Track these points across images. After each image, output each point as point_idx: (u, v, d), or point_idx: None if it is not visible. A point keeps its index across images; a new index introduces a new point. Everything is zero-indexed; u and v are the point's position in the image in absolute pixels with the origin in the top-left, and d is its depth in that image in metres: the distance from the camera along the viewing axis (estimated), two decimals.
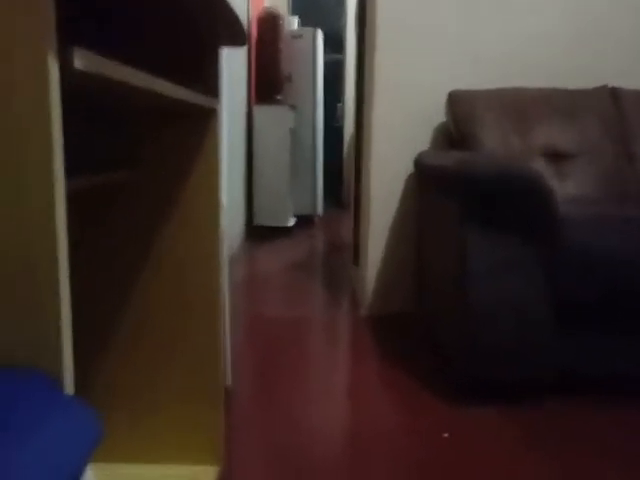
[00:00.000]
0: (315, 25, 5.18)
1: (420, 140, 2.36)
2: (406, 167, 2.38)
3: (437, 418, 1.53)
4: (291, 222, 4.64)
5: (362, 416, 1.55)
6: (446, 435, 1.43)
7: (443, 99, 2.33)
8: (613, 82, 2.30)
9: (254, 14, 4.55)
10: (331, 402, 1.63)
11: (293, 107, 4.67)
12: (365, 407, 1.60)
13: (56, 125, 0.54)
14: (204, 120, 1.18)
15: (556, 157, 2.02)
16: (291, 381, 1.75)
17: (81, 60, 0.57)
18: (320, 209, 5.32)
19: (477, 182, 1.50)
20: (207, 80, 1.17)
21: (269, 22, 4.47)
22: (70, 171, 0.94)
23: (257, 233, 4.53)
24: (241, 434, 1.43)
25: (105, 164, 1.15)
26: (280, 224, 4.54)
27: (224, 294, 1.67)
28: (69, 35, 0.86)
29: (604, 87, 2.20)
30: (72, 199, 1.16)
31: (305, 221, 5.11)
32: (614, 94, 2.18)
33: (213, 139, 1.20)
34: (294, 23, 5.14)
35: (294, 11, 6.20)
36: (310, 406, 1.59)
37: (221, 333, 1.24)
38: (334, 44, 6.26)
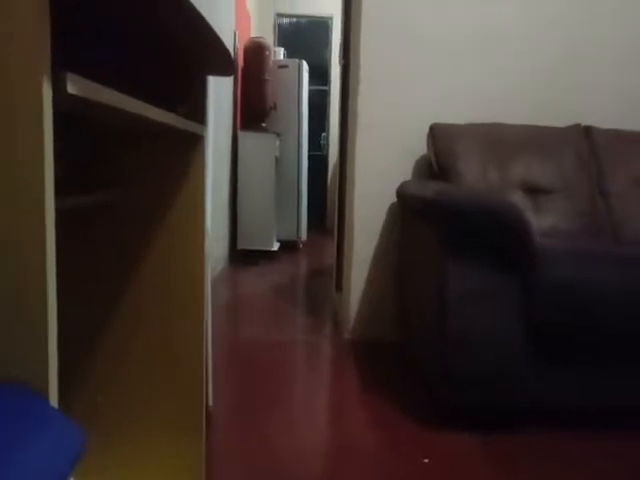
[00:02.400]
0: (301, 57, 5.29)
1: (402, 171, 2.41)
2: (389, 196, 2.42)
3: (416, 443, 1.53)
4: (275, 246, 4.66)
5: (342, 441, 1.55)
6: (426, 461, 1.44)
7: (425, 132, 2.39)
8: (585, 121, 2.40)
9: (241, 43, 4.64)
10: (311, 426, 1.63)
11: (278, 135, 4.73)
12: (345, 432, 1.60)
13: (48, 147, 0.56)
14: (191, 146, 1.20)
15: (533, 191, 2.08)
16: (272, 404, 1.74)
17: (74, 85, 0.59)
18: (304, 235, 5.35)
19: (457, 213, 1.53)
20: (194, 107, 1.19)
21: (255, 52, 4.55)
22: (58, 191, 0.95)
23: (241, 257, 4.53)
24: (221, 456, 1.42)
25: (92, 185, 1.16)
26: (264, 248, 4.55)
27: (207, 317, 1.67)
28: (62, 59, 0.88)
29: (577, 125, 2.28)
30: (59, 218, 1.17)
31: (289, 246, 5.12)
32: (587, 132, 2.26)
33: (199, 165, 1.22)
34: (280, 54, 5.24)
35: (280, 43, 6.33)
36: (290, 430, 1.59)
37: (204, 357, 1.24)
38: (319, 75, 6.39)
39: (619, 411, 1.73)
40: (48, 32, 0.55)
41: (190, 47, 1.04)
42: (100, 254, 1.19)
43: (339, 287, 2.90)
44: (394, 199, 2.42)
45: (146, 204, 1.21)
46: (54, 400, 0.58)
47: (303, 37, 6.42)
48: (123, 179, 1.20)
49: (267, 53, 4.58)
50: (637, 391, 1.64)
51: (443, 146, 2.13)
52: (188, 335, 1.22)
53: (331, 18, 6.35)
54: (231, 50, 4.20)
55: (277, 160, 4.73)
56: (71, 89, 0.59)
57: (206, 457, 1.24)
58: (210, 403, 1.70)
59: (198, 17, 0.82)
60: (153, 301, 1.21)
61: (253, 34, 5.74)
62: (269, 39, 6.22)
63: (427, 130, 2.32)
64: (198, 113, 1.20)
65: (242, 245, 4.56)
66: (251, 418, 1.65)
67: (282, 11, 6.32)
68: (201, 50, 1.04)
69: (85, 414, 1.21)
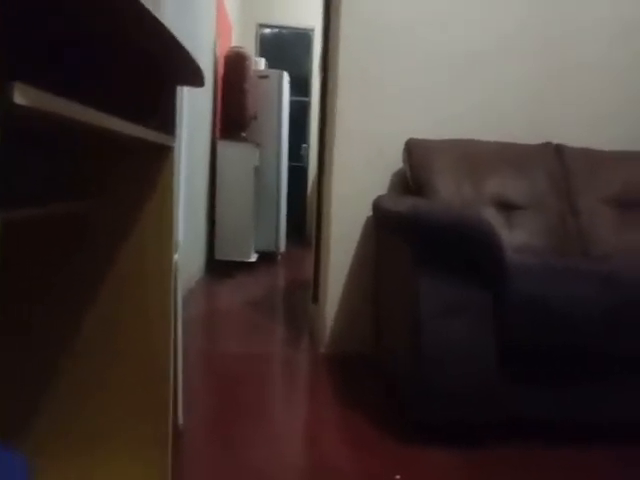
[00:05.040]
0: (282, 67, 5.29)
1: (379, 184, 2.41)
2: (365, 209, 2.41)
3: (390, 459, 1.51)
4: (253, 257, 4.62)
5: (315, 457, 1.52)
6: (398, 477, 1.42)
7: (401, 146, 2.40)
8: (556, 139, 2.44)
9: (221, 52, 4.63)
10: (284, 442, 1.60)
11: (258, 145, 4.72)
12: (318, 448, 1.57)
13: None
14: (159, 157, 1.18)
15: (505, 207, 2.10)
16: (244, 420, 1.71)
17: (21, 95, 0.56)
18: (283, 246, 5.33)
19: (430, 228, 1.53)
20: (163, 117, 1.17)
21: (236, 61, 4.54)
22: (20, 201, 0.92)
23: (218, 267, 4.48)
24: (191, 475, 1.38)
25: (57, 195, 1.13)
26: (242, 259, 4.51)
27: (178, 330, 1.63)
28: (16, 69, 0.85)
29: (548, 144, 2.31)
30: (23, 228, 1.13)
31: (267, 257, 5.09)
32: (558, 150, 2.29)
33: (168, 175, 1.20)
34: (261, 64, 5.24)
35: (262, 53, 6.34)
36: (263, 446, 1.55)
37: (171, 373, 1.21)
38: (300, 87, 6.41)
39: (593, 425, 1.74)
40: None
41: (157, 58, 1.02)
42: (66, 267, 1.16)
43: (316, 299, 2.88)
44: (371, 213, 2.41)
45: (114, 216, 1.18)
46: None
47: (285, 48, 6.43)
48: (91, 190, 1.17)
49: (248, 63, 4.58)
50: (609, 405, 1.65)
51: (418, 161, 2.14)
52: (155, 350, 1.19)
53: (312, 30, 6.38)
54: (209, 60, 4.18)
55: (256, 170, 4.71)
56: (19, 99, 0.56)
57: (174, 476, 1.20)
58: (180, 421, 1.66)
59: (162, 28, 0.80)
60: (119, 314, 1.18)
61: (235, 44, 5.74)
62: (251, 49, 6.23)
63: (403, 145, 2.33)
64: (167, 124, 1.17)
65: (219, 256, 4.52)
66: (223, 435, 1.62)
67: (264, 21, 6.33)
68: (169, 61, 1.02)
69: (47, 431, 1.17)
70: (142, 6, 0.71)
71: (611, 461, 1.57)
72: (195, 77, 1.15)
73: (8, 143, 0.63)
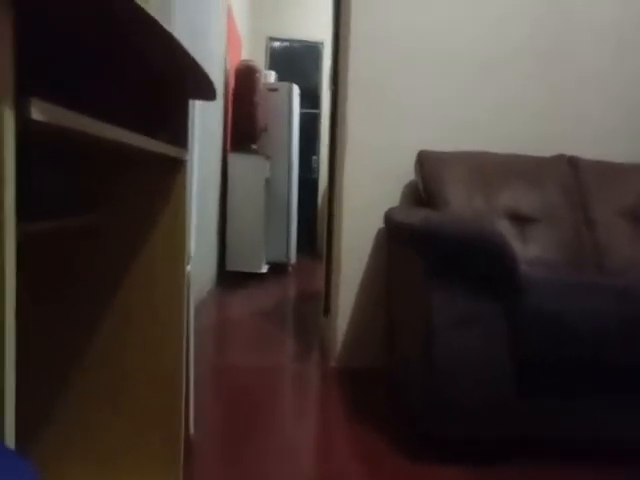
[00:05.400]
0: (292, 80, 5.33)
1: (390, 196, 2.41)
2: (376, 221, 2.41)
3: (400, 475, 1.49)
4: (264, 269, 4.62)
5: (325, 471, 1.50)
6: None
7: (413, 158, 2.39)
8: (569, 152, 2.43)
9: (232, 65, 4.67)
10: (295, 455, 1.58)
11: (268, 157, 4.74)
12: (329, 462, 1.55)
13: (9, 173, 0.53)
14: (172, 170, 1.19)
15: (519, 220, 2.08)
16: (255, 433, 1.70)
17: (38, 111, 0.57)
18: (293, 257, 5.33)
19: (442, 240, 1.52)
20: (176, 131, 1.18)
21: (246, 74, 4.58)
22: (35, 214, 0.92)
23: (229, 278, 4.49)
24: None
25: (72, 209, 1.14)
26: (253, 270, 4.52)
27: (189, 341, 1.63)
28: (33, 84, 0.86)
29: (562, 156, 2.30)
30: (38, 242, 1.14)
31: (278, 269, 5.09)
32: (571, 163, 2.27)
33: (181, 188, 1.20)
34: (271, 77, 5.28)
35: (271, 66, 6.39)
36: (273, 460, 1.54)
37: (183, 384, 1.21)
38: (311, 99, 6.45)
39: (608, 442, 1.70)
40: (10, 57, 0.53)
41: (170, 72, 1.02)
42: (79, 278, 1.17)
43: (327, 312, 2.87)
44: (382, 224, 2.41)
45: (128, 228, 1.19)
46: (11, 438, 0.55)
47: (295, 61, 6.48)
48: (105, 203, 1.18)
49: (258, 76, 4.61)
50: (626, 422, 1.61)
51: (430, 173, 2.13)
52: (167, 361, 1.19)
53: (322, 43, 6.43)
54: (219, 74, 4.22)
55: (267, 182, 4.73)
56: (35, 115, 0.57)
57: None
58: (191, 431, 1.66)
59: (176, 44, 0.80)
60: (132, 325, 1.18)
61: (245, 57, 5.80)
62: (260, 62, 6.28)
63: (415, 156, 2.32)
64: (179, 137, 1.18)
65: (231, 267, 4.53)
66: (233, 447, 1.61)
67: (274, 35, 6.38)
68: (181, 75, 1.03)
69: (57, 445, 1.16)
70: (156, 22, 0.71)
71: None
72: (207, 91, 1.16)
73: (25, 157, 0.63)
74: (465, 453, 1.63)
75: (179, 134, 1.18)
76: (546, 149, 2.43)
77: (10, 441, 0.55)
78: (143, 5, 0.67)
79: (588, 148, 2.46)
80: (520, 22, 2.43)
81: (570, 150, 2.45)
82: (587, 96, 2.48)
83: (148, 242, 1.19)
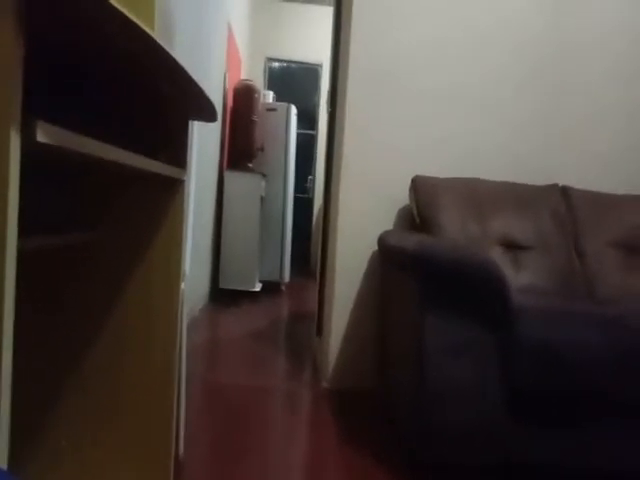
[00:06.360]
0: (290, 101, 5.38)
1: (385, 220, 2.43)
2: (370, 244, 2.42)
3: None
4: (257, 287, 4.62)
5: None
6: None
7: (407, 183, 2.42)
8: (562, 180, 2.48)
9: (230, 85, 4.72)
10: (285, 478, 1.57)
11: (264, 176, 4.76)
12: None
13: (13, 195, 0.54)
14: (170, 189, 1.20)
15: (512, 247, 2.10)
16: (245, 453, 1.68)
17: (44, 134, 0.58)
18: (287, 276, 5.32)
19: (435, 265, 1.53)
20: (175, 151, 1.19)
21: (245, 94, 4.63)
22: (33, 231, 0.93)
23: (222, 296, 4.47)
24: None
25: (68, 226, 1.14)
26: (246, 288, 4.51)
27: (181, 359, 1.63)
28: (34, 105, 0.87)
29: (555, 185, 2.33)
30: (36, 258, 1.14)
31: (272, 287, 5.08)
32: (564, 192, 2.31)
33: (178, 208, 1.21)
34: (269, 97, 5.33)
35: (270, 86, 6.45)
36: None
37: (174, 403, 1.20)
38: (308, 120, 6.51)
39: (600, 471, 1.70)
40: (19, 81, 0.54)
41: (172, 95, 1.04)
42: (78, 292, 1.17)
43: (320, 332, 2.87)
44: (376, 247, 2.42)
45: (125, 245, 1.19)
46: (3, 460, 0.55)
47: (293, 82, 6.55)
48: (104, 220, 1.18)
49: (256, 95, 4.66)
50: (618, 451, 1.61)
51: (424, 198, 2.15)
52: (160, 378, 1.19)
53: (320, 65, 6.51)
54: (219, 92, 4.26)
55: (262, 200, 4.74)
56: (41, 137, 0.58)
57: None
58: (181, 451, 1.64)
59: (180, 69, 0.82)
60: (125, 341, 1.18)
61: (244, 77, 5.86)
62: (259, 82, 6.35)
63: (410, 182, 2.35)
64: (179, 157, 1.20)
65: (224, 284, 4.52)
66: (223, 467, 1.59)
67: (273, 55, 6.46)
68: (183, 98, 1.05)
69: (50, 459, 1.15)
70: (159, 45, 0.73)
71: None
72: (208, 113, 1.17)
73: (28, 175, 0.64)
74: (455, 478, 1.62)
75: (178, 154, 1.19)
76: (540, 178, 2.47)
77: (2, 461, 0.55)
78: (149, 32, 0.69)
79: (581, 178, 2.50)
80: (522, 61, 2.48)
81: (563, 180, 2.48)
82: (584, 128, 2.53)
83: (145, 259, 1.20)
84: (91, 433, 1.17)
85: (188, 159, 1.28)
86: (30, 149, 0.59)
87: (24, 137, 0.56)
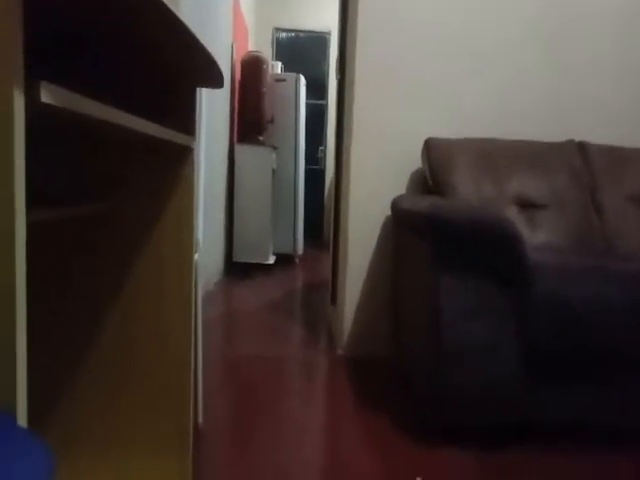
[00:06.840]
0: (299, 71, 5.31)
1: (397, 184, 2.40)
2: (383, 210, 2.41)
3: (410, 461, 1.50)
4: (271, 260, 4.64)
5: (335, 460, 1.51)
6: (419, 479, 1.41)
7: (420, 146, 2.38)
8: (578, 137, 2.42)
9: (238, 57, 4.66)
10: (303, 443, 1.59)
11: (275, 148, 4.74)
12: (338, 450, 1.57)
13: (19, 158, 0.54)
14: (179, 157, 1.19)
15: (527, 206, 2.07)
16: (263, 422, 1.71)
17: (48, 94, 0.57)
18: (300, 248, 5.33)
19: (450, 227, 1.52)
20: (183, 118, 1.18)
21: (253, 65, 4.57)
22: (42, 202, 0.93)
23: (236, 270, 4.50)
24: (210, 475, 1.39)
25: (79, 196, 1.15)
26: (260, 261, 4.53)
27: (197, 331, 1.65)
28: (41, 68, 0.87)
29: (571, 141, 2.28)
30: (46, 229, 1.15)
31: (285, 259, 5.10)
32: (581, 148, 2.26)
33: (188, 176, 1.21)
34: (278, 68, 5.27)
35: (278, 57, 6.37)
36: (281, 448, 1.55)
37: (192, 373, 1.22)
38: (317, 90, 6.42)
39: (615, 430, 1.70)
40: (20, 40, 0.53)
41: (179, 60, 1.03)
42: (87, 267, 1.18)
43: (334, 301, 2.88)
44: (389, 212, 2.41)
45: (136, 216, 1.19)
46: (23, 419, 0.56)
47: (301, 51, 6.45)
48: (112, 191, 1.18)
49: (265, 67, 4.60)
50: (634, 410, 1.61)
51: (438, 160, 2.12)
52: (176, 350, 1.20)
53: (329, 33, 6.39)
54: (226, 64, 4.21)
55: (274, 173, 4.72)
56: (45, 98, 0.57)
57: (194, 476, 1.21)
58: (200, 420, 1.67)
59: (183, 28, 0.80)
60: (140, 313, 1.19)
61: (251, 48, 5.78)
62: (267, 53, 6.26)
63: (422, 144, 2.31)
64: (187, 125, 1.18)
65: (238, 258, 4.54)
66: (241, 436, 1.62)
67: (280, 25, 6.36)
68: (190, 63, 1.03)
69: (68, 431, 1.18)
70: (165, 6, 0.71)
71: (635, 466, 1.54)
72: (215, 78, 1.16)
73: (33, 143, 0.64)
74: (474, 438, 1.63)
75: (187, 122, 1.18)
76: (556, 134, 2.42)
77: (22, 422, 0.56)
78: None
79: (598, 133, 2.44)
80: (527, 7, 2.41)
81: (580, 135, 2.43)
82: (597, 80, 2.46)
83: (157, 230, 1.20)
84: (109, 406, 1.19)
85: (197, 127, 1.27)
86: (35, 110, 0.58)
87: (28, 98, 0.55)
